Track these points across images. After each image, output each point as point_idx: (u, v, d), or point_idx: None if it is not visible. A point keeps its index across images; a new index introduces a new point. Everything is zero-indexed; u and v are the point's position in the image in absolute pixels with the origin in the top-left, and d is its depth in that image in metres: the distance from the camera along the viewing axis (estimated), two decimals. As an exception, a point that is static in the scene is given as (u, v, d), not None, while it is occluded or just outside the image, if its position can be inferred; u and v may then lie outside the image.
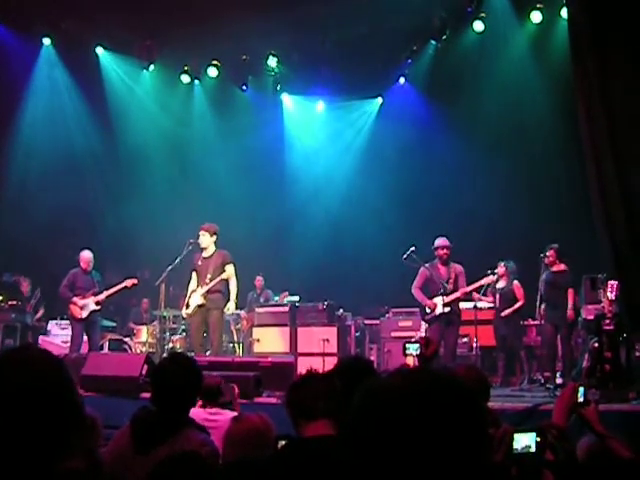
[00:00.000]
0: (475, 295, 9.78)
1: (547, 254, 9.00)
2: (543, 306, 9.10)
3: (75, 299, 9.87)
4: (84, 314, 9.87)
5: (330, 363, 7.74)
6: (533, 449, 2.16)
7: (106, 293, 10.06)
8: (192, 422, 3.23)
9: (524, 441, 2.17)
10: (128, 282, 10.18)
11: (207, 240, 9.39)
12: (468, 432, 1.15)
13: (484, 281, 9.27)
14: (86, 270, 10.09)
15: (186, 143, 14.63)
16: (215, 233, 9.46)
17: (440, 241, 9.19)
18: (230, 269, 9.28)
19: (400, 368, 1.30)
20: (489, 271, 9.35)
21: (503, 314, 9.70)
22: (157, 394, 3.22)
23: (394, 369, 1.29)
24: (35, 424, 1.49)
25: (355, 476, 1.15)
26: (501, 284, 9.87)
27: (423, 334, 9.38)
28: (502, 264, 9.78)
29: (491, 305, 10.10)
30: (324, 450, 2.36)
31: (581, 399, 2.66)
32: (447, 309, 8.89)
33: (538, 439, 2.17)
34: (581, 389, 2.68)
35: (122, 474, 2.94)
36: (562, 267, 9.07)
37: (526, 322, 10.09)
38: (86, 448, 1.61)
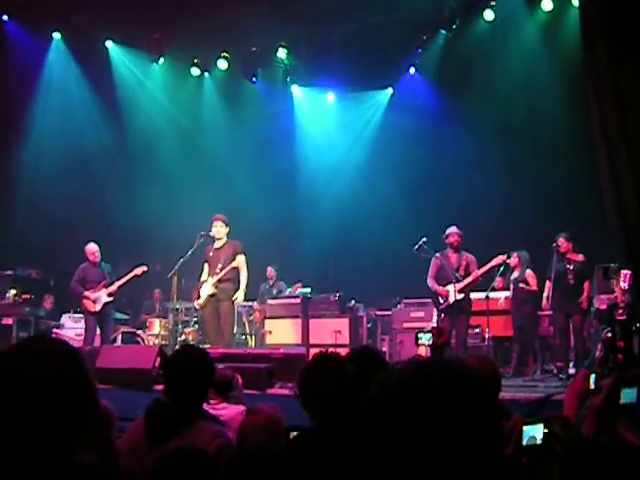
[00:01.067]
0: (499, 284, 9.81)
1: (558, 242, 8.96)
2: (554, 295, 9.05)
3: (87, 293, 9.92)
4: (97, 307, 9.91)
5: (342, 354, 7.75)
6: (540, 440, 2.16)
7: (117, 283, 10.09)
8: (206, 414, 3.24)
9: (533, 432, 2.17)
10: (138, 270, 10.19)
11: (223, 230, 9.44)
12: (482, 423, 1.15)
13: (495, 262, 9.20)
14: (94, 262, 10.12)
15: (196, 135, 14.66)
16: (228, 224, 9.51)
17: (451, 229, 9.23)
18: (241, 258, 9.29)
19: (413, 358, 1.30)
20: (500, 255, 9.30)
21: (520, 285, 9.64)
22: (170, 386, 3.24)
23: (407, 359, 1.30)
24: (51, 415, 1.49)
25: (369, 467, 1.15)
26: (515, 274, 9.83)
27: (435, 324, 9.38)
28: (515, 254, 9.73)
29: (505, 295, 10.07)
30: (337, 441, 2.37)
31: (592, 386, 2.64)
32: (460, 296, 8.91)
33: (545, 430, 2.17)
34: (592, 376, 2.66)
35: (137, 466, 2.96)
36: (581, 257, 9.02)
37: (539, 312, 10.05)
38: (102, 440, 1.61)
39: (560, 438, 2.23)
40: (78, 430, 1.55)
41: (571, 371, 8.60)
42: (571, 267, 8.95)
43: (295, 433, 2.73)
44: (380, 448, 1.14)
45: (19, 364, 1.55)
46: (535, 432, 2.18)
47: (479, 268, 9.12)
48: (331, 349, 3.04)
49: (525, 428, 2.16)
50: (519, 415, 2.53)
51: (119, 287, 10.14)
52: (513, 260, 9.70)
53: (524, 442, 2.15)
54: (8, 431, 1.48)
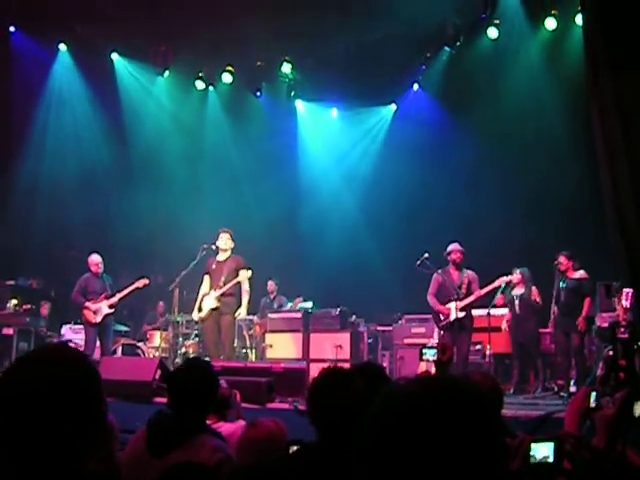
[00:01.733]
0: (499, 301, 9.79)
1: (560, 260, 8.97)
2: (555, 312, 9.07)
3: (88, 304, 9.92)
4: (98, 319, 9.92)
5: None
6: (551, 459, 2.15)
7: (118, 295, 10.11)
8: (207, 427, 3.23)
9: (542, 451, 2.16)
10: (140, 283, 10.23)
11: (228, 243, 9.47)
12: (486, 439, 1.15)
13: (498, 282, 9.21)
14: (97, 273, 10.15)
15: (201, 149, 14.69)
16: (233, 239, 9.53)
17: (453, 246, 9.21)
18: (244, 273, 9.29)
19: (420, 375, 1.31)
20: (504, 277, 9.30)
21: (534, 298, 9.61)
22: (174, 399, 3.23)
23: (414, 376, 1.30)
24: (63, 423, 1.50)
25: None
26: (518, 291, 9.79)
27: (436, 341, 9.36)
28: (518, 271, 9.71)
29: (505, 312, 10.06)
30: (340, 456, 2.36)
31: (593, 404, 2.63)
32: (461, 314, 8.89)
33: (556, 448, 2.16)
34: (593, 394, 2.65)
35: (137, 478, 2.95)
36: (583, 274, 9.03)
37: (540, 330, 10.03)
38: (105, 452, 1.62)
39: (572, 457, 2.22)
40: (89, 440, 1.55)
41: (572, 389, 8.57)
42: (564, 285, 8.96)
43: (295, 447, 2.71)
44: (384, 462, 1.14)
45: (38, 368, 1.55)
46: (545, 450, 2.16)
47: (481, 287, 9.10)
48: (340, 364, 3.03)
49: (534, 446, 2.15)
50: (525, 434, 2.53)
51: (120, 299, 10.15)
52: (515, 277, 9.68)
53: (535, 459, 2.13)
54: (21, 435, 1.48)
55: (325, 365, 2.93)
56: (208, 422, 4.26)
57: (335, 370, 2.85)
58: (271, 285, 12.78)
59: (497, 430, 1.19)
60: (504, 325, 9.97)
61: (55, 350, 1.70)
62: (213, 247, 9.52)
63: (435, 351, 3.58)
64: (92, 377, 1.62)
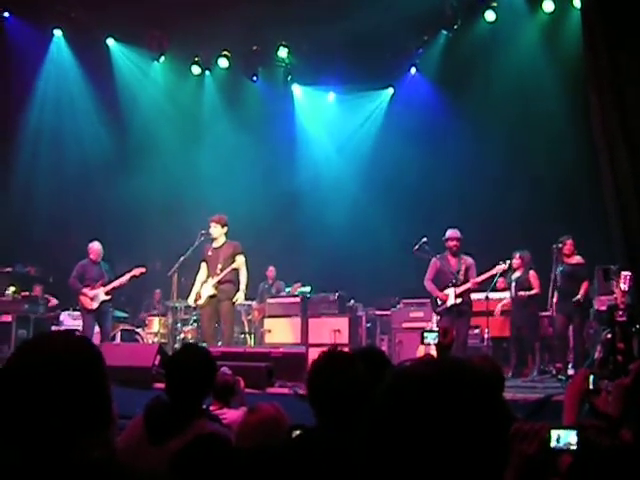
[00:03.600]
0: (500, 284, 9.80)
1: (565, 243, 8.97)
2: (555, 297, 9.09)
3: (85, 290, 9.94)
4: (94, 305, 9.94)
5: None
6: (574, 447, 2.14)
7: (115, 283, 10.13)
8: (206, 412, 3.24)
9: (564, 438, 2.15)
10: (136, 271, 10.24)
11: (218, 231, 9.41)
12: (491, 419, 1.17)
13: (495, 270, 9.22)
14: (95, 261, 10.17)
15: (197, 134, 14.63)
16: (225, 224, 9.46)
17: (450, 232, 9.16)
18: (240, 259, 9.28)
19: (425, 357, 1.31)
20: (500, 262, 9.30)
21: (520, 293, 9.62)
22: (171, 384, 3.23)
23: (418, 358, 1.31)
24: (68, 409, 1.50)
25: (379, 464, 1.15)
26: (517, 274, 9.80)
27: (434, 325, 9.37)
28: (518, 255, 9.71)
29: (504, 295, 10.08)
30: (343, 440, 2.36)
31: (592, 387, 2.63)
32: (459, 300, 8.88)
33: (578, 437, 2.15)
34: (592, 377, 2.65)
35: (135, 464, 2.95)
36: (579, 259, 9.05)
37: (541, 313, 10.05)
38: (104, 438, 1.61)
39: (597, 446, 2.22)
40: (95, 426, 1.55)
41: (570, 372, 8.61)
42: (561, 269, 8.98)
43: (298, 432, 2.71)
44: (391, 444, 1.15)
45: (48, 354, 1.54)
46: (567, 438, 2.15)
47: (478, 274, 9.10)
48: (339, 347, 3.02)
49: (554, 432, 2.14)
50: (523, 418, 2.53)
51: (117, 287, 10.16)
52: (515, 260, 9.68)
53: (557, 447, 2.12)
54: (27, 422, 1.48)
55: (324, 349, 2.92)
56: (212, 408, 4.28)
57: (335, 353, 2.84)
58: (271, 271, 12.80)
59: (502, 411, 1.21)
60: (497, 310, 10.00)
61: (59, 336, 1.69)
62: (210, 233, 9.50)
63: (436, 335, 3.58)
64: (97, 362, 1.62)
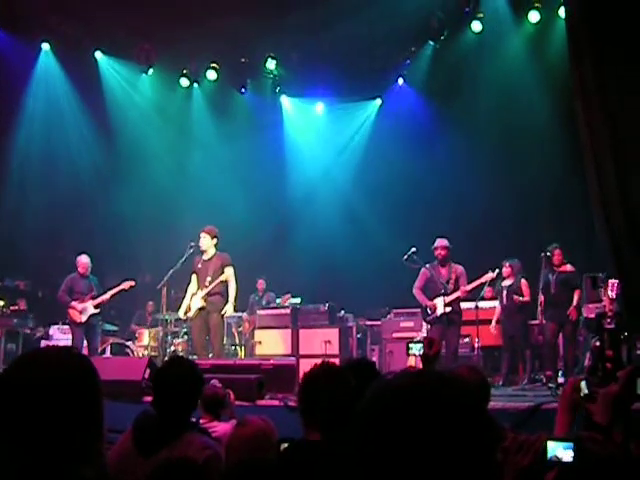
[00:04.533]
0: (488, 293, 9.82)
1: (554, 253, 9.01)
2: (542, 304, 9.12)
3: (74, 303, 9.93)
4: (83, 318, 9.93)
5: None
6: (570, 459, 2.14)
7: (104, 296, 10.12)
8: (194, 425, 3.23)
9: (560, 450, 2.15)
10: (125, 284, 10.25)
11: (208, 242, 9.40)
12: (471, 434, 1.16)
13: (484, 279, 9.27)
14: (84, 274, 10.16)
15: (186, 146, 14.64)
16: (215, 236, 9.45)
17: (438, 242, 9.21)
18: (229, 271, 9.27)
19: (405, 370, 1.32)
20: (490, 270, 9.35)
21: (516, 298, 9.65)
22: (159, 398, 3.23)
23: (399, 371, 1.31)
24: (61, 426, 1.50)
25: (362, 478, 1.16)
26: (508, 282, 9.85)
27: (425, 335, 9.38)
28: (507, 263, 9.76)
29: (494, 304, 10.11)
30: (328, 453, 2.36)
31: (585, 391, 2.60)
32: (448, 309, 8.90)
33: (576, 449, 2.15)
34: (583, 383, 2.62)
35: (125, 478, 2.95)
36: (571, 267, 9.09)
37: (530, 322, 10.08)
38: (95, 453, 1.61)
39: (595, 458, 2.21)
40: (87, 443, 1.55)
41: (560, 380, 8.62)
42: (554, 277, 9.01)
43: (286, 445, 2.71)
44: (373, 458, 1.15)
45: (42, 369, 1.55)
46: (564, 450, 2.15)
47: (469, 282, 9.13)
48: (329, 359, 3.02)
49: (550, 444, 2.14)
50: (512, 430, 2.53)
51: (106, 300, 10.15)
52: (505, 269, 9.73)
53: (553, 459, 2.12)
54: (20, 438, 1.48)
55: (314, 360, 2.93)
56: (202, 421, 4.27)
57: (326, 366, 2.85)
58: (261, 284, 12.78)
59: (483, 423, 1.20)
60: (494, 323, 10.02)
61: (53, 351, 1.69)
62: (200, 245, 9.49)
63: (421, 345, 3.58)
64: (91, 378, 1.62)
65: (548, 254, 9.03)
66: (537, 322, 9.82)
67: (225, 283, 9.27)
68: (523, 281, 9.79)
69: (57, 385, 1.52)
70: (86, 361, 1.66)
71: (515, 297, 9.65)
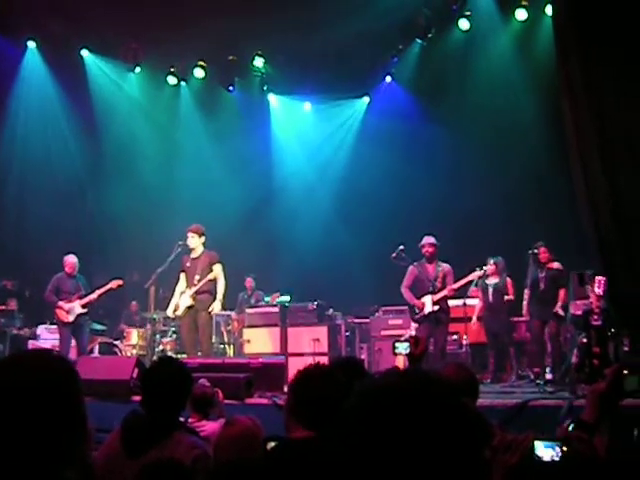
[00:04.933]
0: (474, 292, 9.85)
1: (539, 251, 9.05)
2: (531, 302, 9.17)
3: (61, 303, 9.90)
4: (71, 318, 9.90)
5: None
6: (556, 458, 2.14)
7: (92, 296, 10.09)
8: (182, 425, 3.23)
9: (547, 450, 2.15)
10: (113, 283, 10.22)
11: (196, 241, 9.39)
12: (457, 432, 1.17)
13: (471, 277, 9.32)
14: (71, 274, 10.14)
15: (174, 145, 14.60)
16: (203, 234, 9.44)
17: (425, 239, 9.25)
18: (217, 269, 9.27)
19: (390, 370, 1.32)
20: (477, 268, 9.38)
21: (506, 298, 9.71)
22: (147, 397, 3.22)
23: (385, 370, 1.32)
24: (43, 429, 1.49)
25: (348, 477, 1.16)
26: (493, 280, 9.89)
27: (413, 332, 9.40)
28: (492, 261, 9.81)
29: (479, 302, 10.15)
30: (315, 451, 2.36)
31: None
32: (436, 307, 8.94)
33: (563, 449, 2.15)
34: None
35: (113, 478, 2.94)
36: (559, 265, 9.14)
37: (515, 318, 10.13)
38: (80, 453, 1.61)
39: (581, 457, 2.21)
40: (70, 445, 1.55)
41: (548, 376, 8.67)
42: (543, 274, 9.05)
43: (273, 443, 2.71)
44: (359, 457, 1.15)
45: (18, 374, 1.54)
46: (550, 449, 2.15)
47: (455, 280, 9.17)
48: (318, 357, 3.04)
49: (538, 443, 2.14)
50: (501, 427, 2.54)
51: (93, 299, 10.12)
52: (490, 267, 9.77)
53: (539, 458, 2.12)
54: (1, 441, 1.47)
55: (303, 359, 2.94)
56: (190, 420, 4.27)
57: (315, 367, 2.86)
58: (249, 282, 12.77)
59: (470, 422, 1.20)
60: (474, 319, 10.06)
61: (34, 354, 1.69)
62: (187, 244, 9.47)
63: (408, 345, 3.58)
64: (72, 381, 1.62)
65: (535, 251, 9.07)
66: (523, 319, 9.88)
67: (214, 281, 9.27)
68: (508, 279, 9.86)
69: (38, 388, 1.52)
70: (67, 363, 1.66)
71: (506, 298, 9.71)
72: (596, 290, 7.34)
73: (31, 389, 1.51)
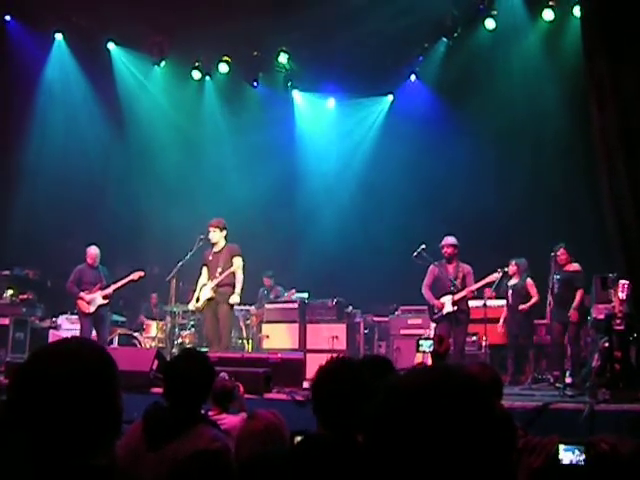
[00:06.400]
0: (487, 293, 9.78)
1: (558, 253, 8.99)
2: (551, 304, 9.11)
3: (82, 294, 9.97)
4: (92, 309, 9.97)
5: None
6: (582, 462, 2.12)
7: (113, 287, 10.16)
8: (204, 418, 3.23)
9: (572, 454, 2.13)
10: (135, 275, 10.27)
11: (217, 235, 9.42)
12: (482, 428, 1.16)
13: (489, 279, 9.25)
14: (92, 265, 10.20)
15: (197, 139, 14.65)
16: (224, 227, 9.47)
17: (446, 239, 9.22)
18: (237, 262, 9.29)
19: (418, 365, 1.32)
20: (498, 269, 9.32)
21: (520, 308, 9.65)
22: (170, 389, 3.22)
23: (412, 366, 1.31)
24: (80, 418, 1.51)
25: (377, 472, 1.16)
26: (513, 281, 9.84)
27: (432, 332, 9.38)
28: (513, 262, 9.75)
29: (502, 303, 10.08)
30: (341, 446, 2.36)
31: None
32: (455, 307, 8.91)
33: (587, 453, 2.13)
34: None
35: (134, 470, 2.95)
36: (577, 267, 9.07)
37: (536, 321, 10.06)
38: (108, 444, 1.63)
39: (607, 461, 2.17)
40: (104, 434, 1.56)
41: (567, 380, 8.60)
42: (559, 276, 8.99)
43: (300, 438, 2.70)
44: (387, 455, 1.15)
45: (57, 363, 1.56)
46: (570, 452, 2.12)
47: (475, 281, 9.12)
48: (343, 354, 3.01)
49: (562, 447, 2.11)
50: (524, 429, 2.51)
51: (114, 290, 10.18)
52: (511, 268, 9.71)
53: (564, 462, 2.09)
54: (38, 428, 1.49)
55: (322, 355, 2.93)
56: (210, 413, 4.27)
57: (342, 360, 2.83)
58: (267, 281, 12.74)
59: (496, 419, 1.19)
60: (501, 322, 10.00)
61: (74, 343, 1.70)
62: (209, 238, 9.50)
63: (431, 342, 3.57)
64: (111, 370, 1.64)
65: (554, 254, 9.02)
66: (545, 321, 9.80)
67: (234, 274, 9.29)
68: (529, 280, 9.77)
69: (77, 377, 1.53)
70: (105, 354, 1.67)
71: (523, 307, 9.63)
72: (619, 294, 7.26)
73: (69, 377, 1.53)
